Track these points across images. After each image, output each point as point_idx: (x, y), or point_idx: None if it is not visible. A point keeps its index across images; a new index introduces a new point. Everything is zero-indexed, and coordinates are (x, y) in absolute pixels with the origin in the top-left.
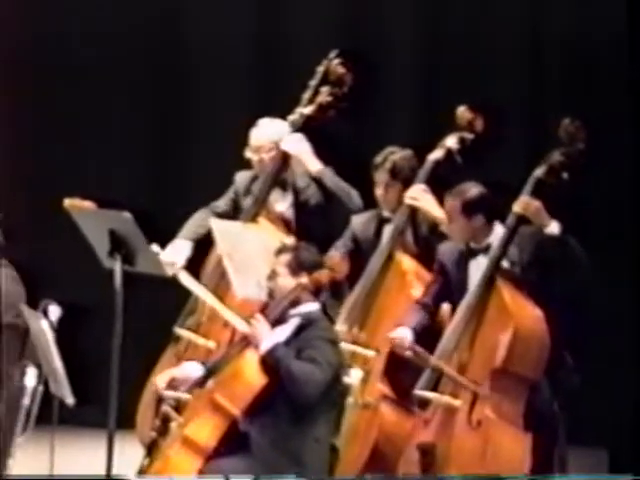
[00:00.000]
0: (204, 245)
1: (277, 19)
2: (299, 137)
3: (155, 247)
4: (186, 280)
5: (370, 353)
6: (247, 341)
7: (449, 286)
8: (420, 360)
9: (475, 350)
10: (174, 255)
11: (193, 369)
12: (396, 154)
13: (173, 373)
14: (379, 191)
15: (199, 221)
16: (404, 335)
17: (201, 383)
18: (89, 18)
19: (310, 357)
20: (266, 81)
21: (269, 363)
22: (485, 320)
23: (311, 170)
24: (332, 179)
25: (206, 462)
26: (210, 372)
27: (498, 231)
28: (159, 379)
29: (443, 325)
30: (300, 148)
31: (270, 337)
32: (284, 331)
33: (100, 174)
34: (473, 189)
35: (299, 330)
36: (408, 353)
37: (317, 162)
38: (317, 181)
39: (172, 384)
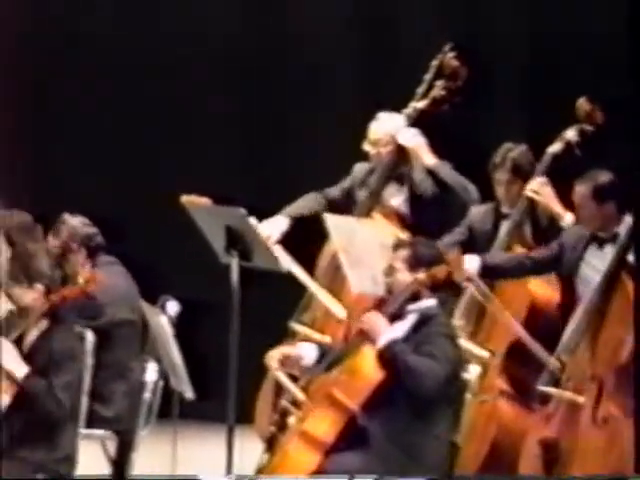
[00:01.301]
0: (318, 239)
1: (392, 15)
2: (415, 131)
3: (253, 220)
4: (298, 273)
5: (484, 354)
6: (364, 336)
7: (559, 262)
8: (479, 294)
9: (598, 346)
10: (270, 229)
11: (308, 350)
12: (513, 151)
13: (287, 351)
14: (500, 190)
15: (305, 202)
16: (471, 264)
17: (315, 368)
18: (185, 18)
19: (429, 352)
20: (380, 75)
21: (386, 358)
22: (609, 315)
23: (427, 163)
24: (448, 173)
25: (325, 457)
26: (328, 365)
27: (627, 221)
28: (271, 356)
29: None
30: (416, 142)
31: (387, 332)
32: (402, 327)
33: (212, 172)
34: (605, 175)
35: (418, 326)
36: (466, 284)
37: (432, 156)
38: (433, 175)
39: (285, 363)
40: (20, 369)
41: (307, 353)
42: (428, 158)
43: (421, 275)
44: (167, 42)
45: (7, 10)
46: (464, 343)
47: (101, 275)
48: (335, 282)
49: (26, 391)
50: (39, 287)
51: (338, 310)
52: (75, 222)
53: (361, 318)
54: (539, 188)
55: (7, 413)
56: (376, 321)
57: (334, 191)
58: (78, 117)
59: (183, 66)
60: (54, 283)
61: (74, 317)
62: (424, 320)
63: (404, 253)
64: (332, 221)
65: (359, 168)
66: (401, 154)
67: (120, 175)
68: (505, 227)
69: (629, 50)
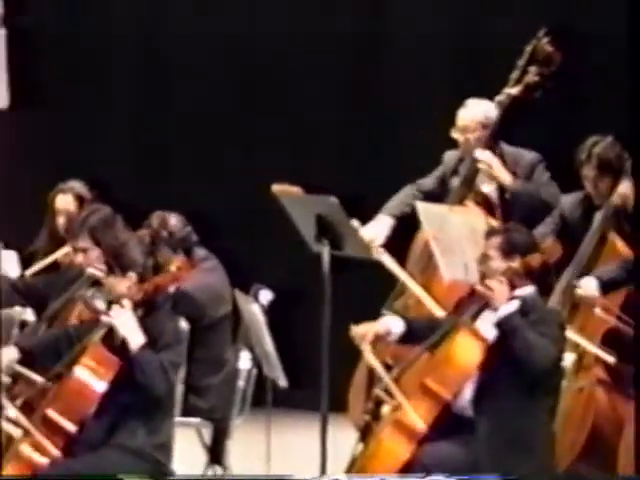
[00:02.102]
0: (410, 226)
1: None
2: (487, 153)
3: (355, 222)
4: (388, 262)
5: (581, 341)
6: (457, 323)
7: None
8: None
9: None
10: (374, 231)
11: (394, 323)
12: (599, 146)
13: (374, 328)
14: (589, 186)
15: (404, 198)
16: (590, 286)
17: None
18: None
19: (542, 333)
20: (471, 61)
21: (503, 330)
22: None
23: (507, 185)
24: (532, 190)
25: (419, 447)
26: (426, 347)
27: None
28: (361, 336)
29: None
30: (490, 161)
31: (507, 305)
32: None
33: (304, 160)
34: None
35: (521, 313)
36: (597, 311)
37: (508, 174)
38: (518, 195)
39: (376, 342)
40: (138, 339)
41: (394, 327)
42: (505, 177)
43: (515, 263)
44: (267, 39)
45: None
46: None
47: (191, 279)
48: (427, 270)
49: (139, 364)
50: (132, 275)
51: (430, 303)
52: (176, 223)
53: (486, 283)
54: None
55: (106, 399)
56: (501, 288)
57: (428, 182)
58: (173, 114)
59: (279, 54)
60: (147, 271)
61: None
62: (527, 306)
63: (497, 240)
64: (424, 209)
65: (449, 156)
66: (490, 141)
67: (215, 166)
68: (599, 215)
69: None
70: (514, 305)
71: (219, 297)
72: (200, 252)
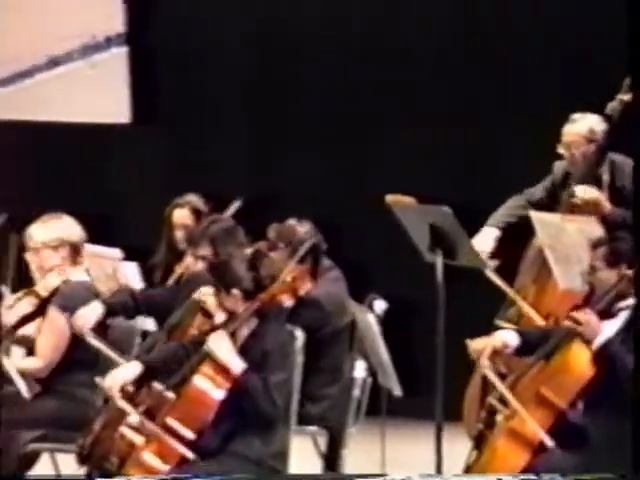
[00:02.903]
0: (523, 234)
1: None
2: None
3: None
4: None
5: None
6: (573, 333)
7: None
8: None
9: None
10: (481, 243)
11: (509, 336)
12: None
13: (491, 343)
14: None
15: (511, 209)
16: None
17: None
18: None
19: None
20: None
21: (602, 357)
22: None
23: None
24: None
25: (534, 456)
26: (540, 357)
27: None
28: (478, 351)
29: None
30: (593, 196)
31: (603, 332)
32: (613, 325)
33: (416, 171)
34: None
35: (629, 324)
36: None
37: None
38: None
39: (494, 356)
40: (238, 364)
41: (510, 340)
42: (605, 206)
43: (628, 272)
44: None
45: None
46: None
47: (318, 287)
48: (540, 278)
49: (242, 387)
50: (235, 292)
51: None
52: (303, 229)
53: (573, 315)
54: None
55: (222, 408)
56: (591, 321)
57: (537, 192)
58: (287, 129)
59: (392, 64)
60: (250, 286)
61: (292, 319)
62: (636, 318)
63: (602, 251)
64: (538, 218)
65: (558, 166)
66: (598, 155)
67: (329, 177)
68: None
69: None
70: (609, 330)
71: (343, 307)
72: (325, 262)
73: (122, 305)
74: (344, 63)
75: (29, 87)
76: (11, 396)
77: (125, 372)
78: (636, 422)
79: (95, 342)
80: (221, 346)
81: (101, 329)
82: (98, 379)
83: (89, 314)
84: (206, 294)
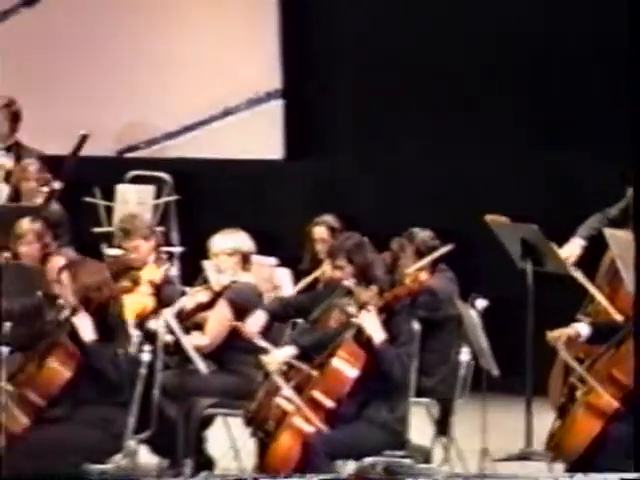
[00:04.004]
0: (600, 246)
1: None
2: None
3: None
4: (580, 277)
5: None
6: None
7: None
8: None
9: None
10: (569, 251)
11: (581, 327)
12: None
13: (566, 331)
14: None
15: (592, 224)
16: None
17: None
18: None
19: None
20: None
21: None
22: None
23: None
24: None
25: (607, 425)
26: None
27: None
28: (552, 335)
29: None
30: None
31: None
32: None
33: (513, 192)
34: None
35: None
36: None
37: None
38: None
39: (569, 343)
40: (379, 335)
41: (582, 330)
42: None
43: None
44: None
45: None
46: None
47: (435, 280)
48: (613, 283)
49: (382, 355)
50: (374, 288)
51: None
52: (424, 235)
53: None
54: None
55: (357, 383)
56: None
57: (613, 211)
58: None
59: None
60: (387, 285)
61: (414, 309)
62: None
63: None
64: (611, 233)
65: (630, 191)
66: None
67: (447, 194)
68: None
69: None
70: None
71: (452, 298)
72: (442, 265)
73: (278, 313)
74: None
75: (208, 132)
76: (193, 371)
77: (282, 354)
78: (636, 423)
79: (262, 342)
80: (368, 320)
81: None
82: (262, 357)
83: (256, 321)
84: (349, 286)
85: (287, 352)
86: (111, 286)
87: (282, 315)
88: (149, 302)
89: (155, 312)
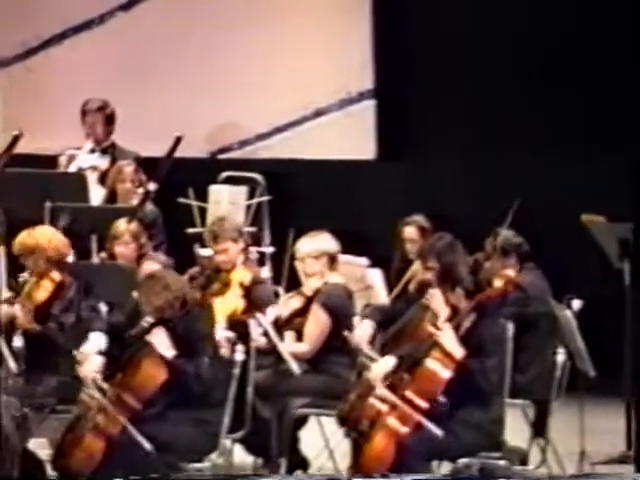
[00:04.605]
0: None
1: None
2: None
3: None
4: None
5: None
6: None
7: None
8: None
9: None
10: None
11: None
12: None
13: None
14: None
15: None
16: None
17: None
18: None
19: None
20: None
21: None
22: None
23: None
24: None
25: None
26: None
27: None
28: None
29: None
30: None
31: None
32: None
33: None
34: None
35: None
36: None
37: None
38: None
39: None
40: (458, 351)
41: None
42: None
43: None
44: None
45: None
46: None
47: (522, 276)
48: None
49: (467, 367)
50: (459, 291)
51: None
52: (508, 234)
53: None
54: None
55: (450, 384)
56: None
57: None
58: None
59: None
60: (470, 286)
61: (504, 307)
62: None
63: None
64: None
65: None
66: None
67: (541, 194)
68: None
69: None
70: None
71: (543, 296)
72: (529, 264)
73: (381, 323)
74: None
75: (300, 133)
76: (286, 371)
77: (385, 366)
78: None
79: (369, 351)
80: (447, 336)
81: None
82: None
83: (364, 331)
84: (434, 294)
85: (389, 363)
86: (188, 298)
87: (384, 324)
88: (240, 304)
89: (246, 313)
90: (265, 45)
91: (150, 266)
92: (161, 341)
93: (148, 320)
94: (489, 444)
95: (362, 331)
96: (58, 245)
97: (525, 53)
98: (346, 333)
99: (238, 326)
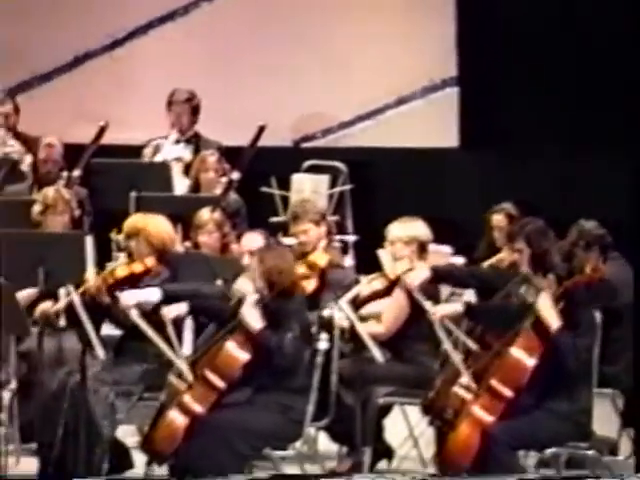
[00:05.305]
0: None
1: None
2: None
3: None
4: None
5: None
6: None
7: None
8: None
9: None
10: None
11: None
12: None
13: None
14: None
15: None
16: None
17: None
18: None
19: None
20: None
21: None
22: None
23: None
24: None
25: None
26: None
27: None
28: None
29: None
30: None
31: None
32: None
33: None
34: None
35: None
36: None
37: None
38: None
39: None
40: (556, 321)
41: None
42: None
43: None
44: None
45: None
46: None
47: (609, 267)
48: None
49: (557, 343)
50: (550, 277)
51: None
52: (589, 225)
53: None
54: None
55: (535, 373)
56: None
57: None
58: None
59: None
60: (562, 272)
61: (591, 300)
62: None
63: None
64: None
65: None
66: None
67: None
68: None
69: None
70: None
71: (627, 287)
72: (613, 253)
73: (462, 278)
74: None
75: (382, 121)
76: (370, 359)
77: (449, 307)
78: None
79: (420, 298)
80: (545, 305)
81: None
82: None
83: (418, 275)
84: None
85: (454, 307)
86: (294, 271)
87: (464, 281)
88: (313, 285)
89: (317, 294)
90: (348, 33)
91: (251, 239)
92: (251, 313)
93: (257, 285)
94: (577, 434)
95: (416, 274)
96: (164, 236)
97: (611, 40)
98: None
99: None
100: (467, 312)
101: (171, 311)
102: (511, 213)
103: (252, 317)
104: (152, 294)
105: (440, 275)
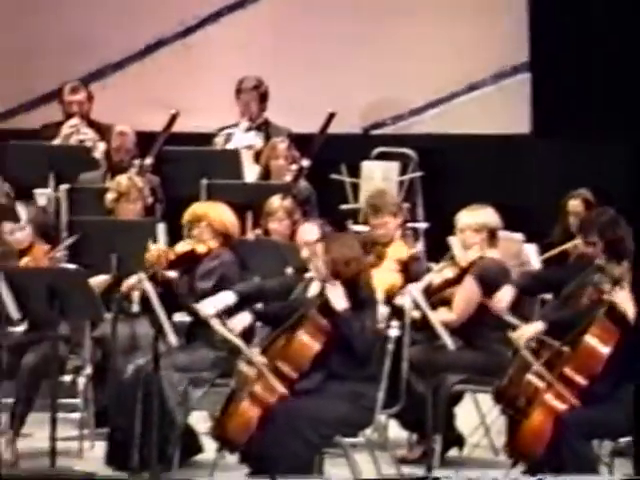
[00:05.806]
0: None
1: None
2: None
3: None
4: None
5: None
6: None
7: None
8: None
9: None
10: None
11: None
12: None
13: None
14: None
15: None
16: None
17: None
18: None
19: None
20: None
21: None
22: None
23: None
24: None
25: None
26: None
27: None
28: None
29: None
30: None
31: None
32: None
33: None
34: None
35: None
36: None
37: None
38: None
39: None
40: (633, 310)
41: None
42: None
43: None
44: None
45: None
46: None
47: None
48: None
49: (636, 331)
50: (625, 264)
51: None
52: None
53: None
54: None
55: (612, 358)
56: None
57: None
58: None
59: None
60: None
61: None
62: None
63: None
64: None
65: None
66: None
67: None
68: None
69: None
70: None
71: None
72: None
73: (528, 287)
74: None
75: (453, 108)
76: (441, 347)
77: (531, 329)
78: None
79: (510, 318)
80: (622, 295)
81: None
82: (510, 333)
83: (505, 297)
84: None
85: (537, 327)
86: (361, 260)
87: (531, 290)
88: (397, 279)
89: (403, 289)
90: (419, 18)
91: (307, 231)
92: (336, 293)
93: (322, 273)
94: None
95: (503, 295)
96: (226, 221)
97: None
98: (485, 299)
99: (393, 300)
100: (550, 330)
101: (237, 325)
102: (588, 199)
103: (337, 297)
104: (227, 298)
105: (522, 290)
